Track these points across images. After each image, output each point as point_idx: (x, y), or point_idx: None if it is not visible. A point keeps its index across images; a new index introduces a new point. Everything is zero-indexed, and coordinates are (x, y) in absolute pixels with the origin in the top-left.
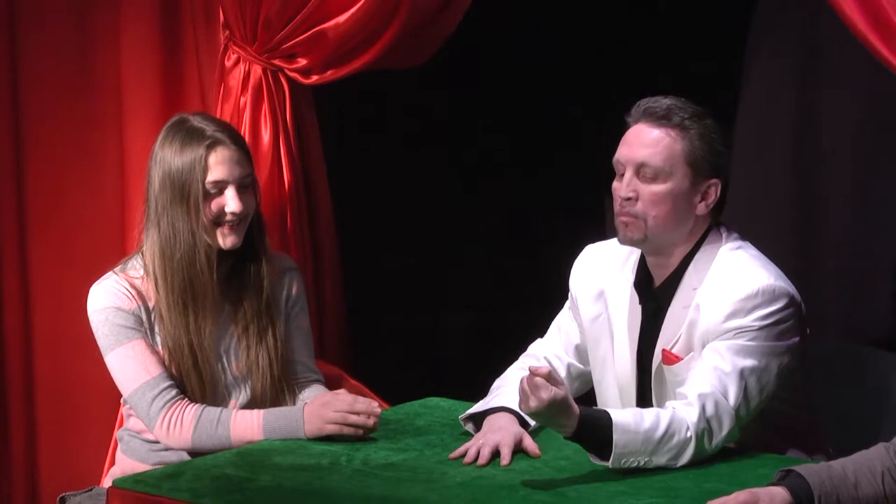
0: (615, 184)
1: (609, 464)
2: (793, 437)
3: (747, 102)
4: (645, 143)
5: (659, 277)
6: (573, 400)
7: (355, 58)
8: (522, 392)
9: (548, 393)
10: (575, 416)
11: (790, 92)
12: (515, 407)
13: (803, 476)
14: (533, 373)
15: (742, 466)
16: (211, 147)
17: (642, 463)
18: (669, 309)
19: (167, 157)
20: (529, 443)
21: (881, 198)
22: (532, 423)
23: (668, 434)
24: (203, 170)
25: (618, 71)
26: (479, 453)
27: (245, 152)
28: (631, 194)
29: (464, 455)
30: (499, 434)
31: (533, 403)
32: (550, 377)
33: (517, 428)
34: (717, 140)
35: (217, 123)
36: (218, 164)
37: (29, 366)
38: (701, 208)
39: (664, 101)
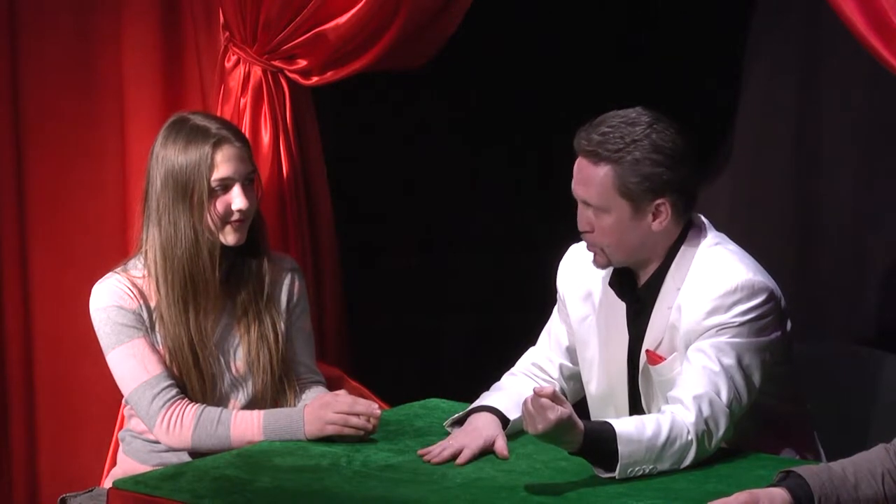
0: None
1: (616, 475)
2: (784, 433)
3: (747, 103)
4: (580, 179)
5: (642, 279)
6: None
7: (355, 59)
8: (528, 414)
9: (554, 413)
10: (580, 432)
11: (790, 92)
12: (497, 405)
13: (803, 477)
14: (538, 394)
15: (742, 467)
16: (217, 145)
17: (647, 471)
18: (654, 309)
19: (170, 156)
20: (501, 445)
21: (879, 199)
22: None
23: (670, 440)
24: (209, 167)
25: (618, 72)
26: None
27: (248, 149)
28: (586, 227)
29: (431, 452)
30: (468, 438)
31: (540, 425)
32: (555, 396)
33: (491, 431)
34: (656, 161)
35: (220, 121)
36: (224, 162)
37: (29, 366)
38: (656, 226)
39: (598, 132)
